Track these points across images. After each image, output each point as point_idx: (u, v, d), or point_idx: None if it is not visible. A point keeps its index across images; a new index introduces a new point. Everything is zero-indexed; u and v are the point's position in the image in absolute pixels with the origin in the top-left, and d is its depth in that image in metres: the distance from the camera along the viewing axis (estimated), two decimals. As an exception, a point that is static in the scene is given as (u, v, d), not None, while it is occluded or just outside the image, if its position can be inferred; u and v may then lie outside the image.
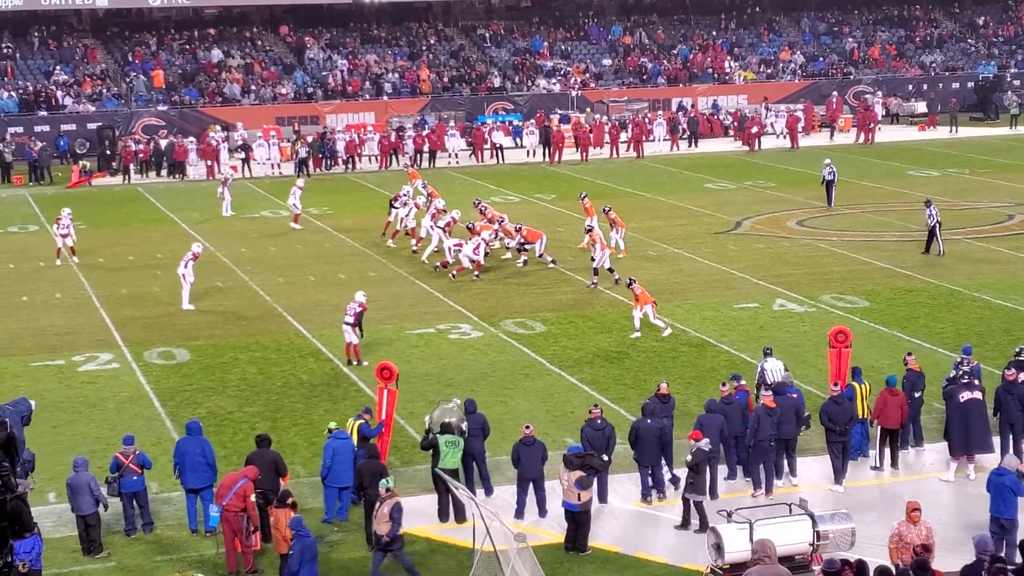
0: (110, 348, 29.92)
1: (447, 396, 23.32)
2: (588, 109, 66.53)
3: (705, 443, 20.03)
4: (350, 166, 58.02)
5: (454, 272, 35.81)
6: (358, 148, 58.44)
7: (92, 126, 60.16)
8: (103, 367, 28.52)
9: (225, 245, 40.94)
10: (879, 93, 70.67)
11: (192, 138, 58.74)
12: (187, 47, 69.92)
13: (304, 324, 31.72)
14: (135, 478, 19.80)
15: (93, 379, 27.65)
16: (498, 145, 60.06)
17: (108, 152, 57.26)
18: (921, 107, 70.53)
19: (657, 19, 78.77)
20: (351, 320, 28.10)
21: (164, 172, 56.55)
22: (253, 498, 18.73)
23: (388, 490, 18.28)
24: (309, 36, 72.04)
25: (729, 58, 74.42)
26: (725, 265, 36.79)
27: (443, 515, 20.37)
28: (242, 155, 56.93)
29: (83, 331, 31.54)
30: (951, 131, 65.71)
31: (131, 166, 56.04)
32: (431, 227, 38.51)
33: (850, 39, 78.16)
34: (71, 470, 19.49)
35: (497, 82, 69.96)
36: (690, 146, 62.81)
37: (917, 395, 22.29)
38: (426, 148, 58.61)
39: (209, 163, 56.19)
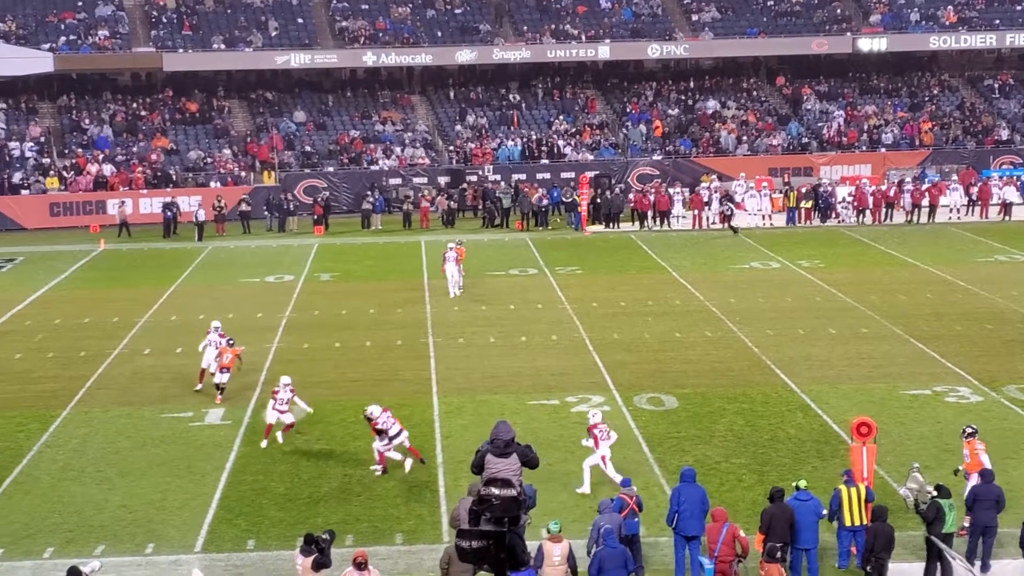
0: (601, 391, 30.43)
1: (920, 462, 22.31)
2: None
3: None
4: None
5: None
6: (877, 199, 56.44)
7: (590, 174, 61.58)
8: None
9: (716, 295, 40.88)
10: None
11: (678, 187, 58.89)
12: (683, 97, 70.91)
13: (792, 378, 31.11)
14: (635, 520, 19.91)
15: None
16: (1007, 201, 56.89)
17: (598, 201, 58.11)
18: None
19: None
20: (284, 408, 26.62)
21: (656, 221, 56.88)
22: (743, 534, 18.59)
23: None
24: (805, 87, 71.39)
25: None
26: None
27: None
28: (728, 206, 56.16)
29: (576, 373, 32.24)
30: None
31: (648, 214, 56.30)
32: None
33: None
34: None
35: (1005, 135, 66.58)
36: None
37: None
38: (925, 203, 56.08)
39: (696, 212, 56.28)
